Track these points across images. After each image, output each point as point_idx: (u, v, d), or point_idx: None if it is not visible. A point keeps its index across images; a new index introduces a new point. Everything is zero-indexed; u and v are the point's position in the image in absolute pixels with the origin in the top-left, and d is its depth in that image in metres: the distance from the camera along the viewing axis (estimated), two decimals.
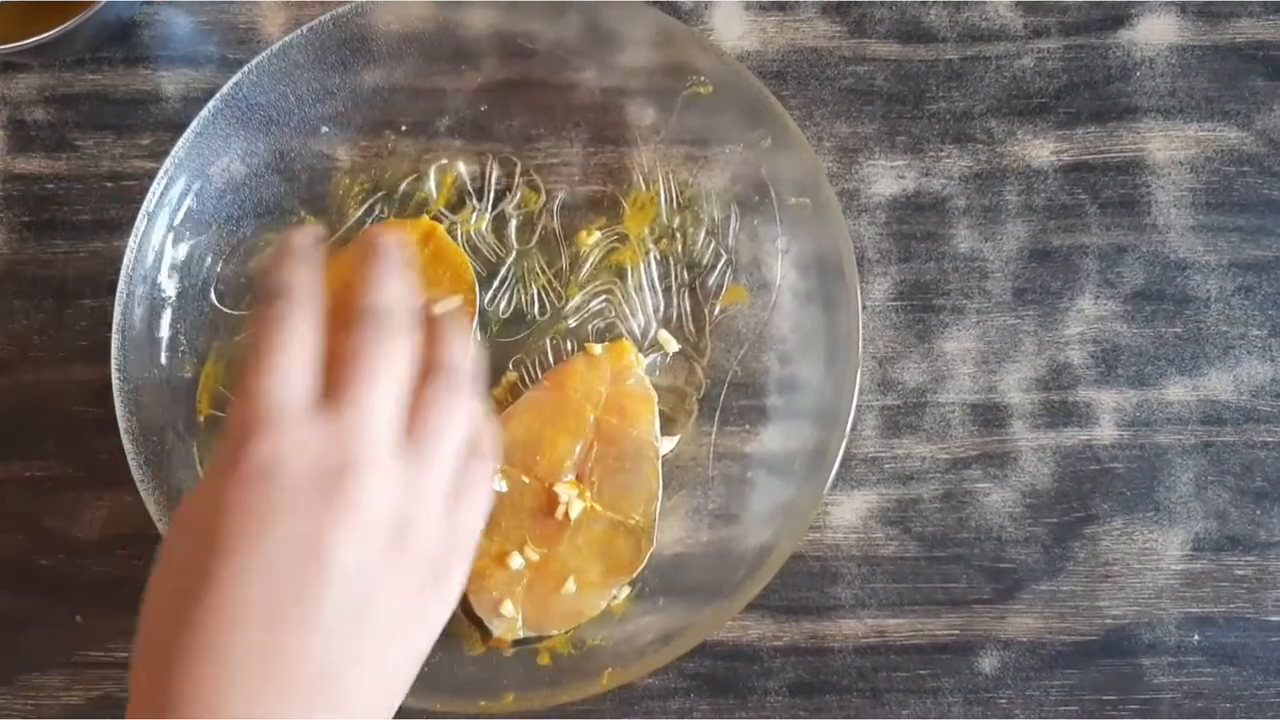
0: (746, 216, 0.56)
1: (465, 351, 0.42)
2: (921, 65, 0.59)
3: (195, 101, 0.58)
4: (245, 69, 0.52)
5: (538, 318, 0.56)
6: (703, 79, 0.54)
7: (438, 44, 0.55)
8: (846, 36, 0.59)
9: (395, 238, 0.42)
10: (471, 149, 0.57)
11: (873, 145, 0.59)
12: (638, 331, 0.56)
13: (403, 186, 0.57)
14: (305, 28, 0.53)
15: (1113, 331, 0.57)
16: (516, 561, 0.52)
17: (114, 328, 0.51)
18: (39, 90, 0.59)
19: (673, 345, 0.56)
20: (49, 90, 0.59)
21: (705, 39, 0.58)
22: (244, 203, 0.55)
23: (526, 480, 0.53)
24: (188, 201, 0.53)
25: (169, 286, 0.53)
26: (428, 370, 0.41)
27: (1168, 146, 0.59)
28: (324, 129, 0.56)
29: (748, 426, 0.55)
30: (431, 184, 0.57)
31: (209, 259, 0.54)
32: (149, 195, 0.51)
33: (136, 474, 0.50)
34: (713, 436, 0.55)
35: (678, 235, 0.56)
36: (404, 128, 0.57)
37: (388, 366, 0.39)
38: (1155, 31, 0.60)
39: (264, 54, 0.52)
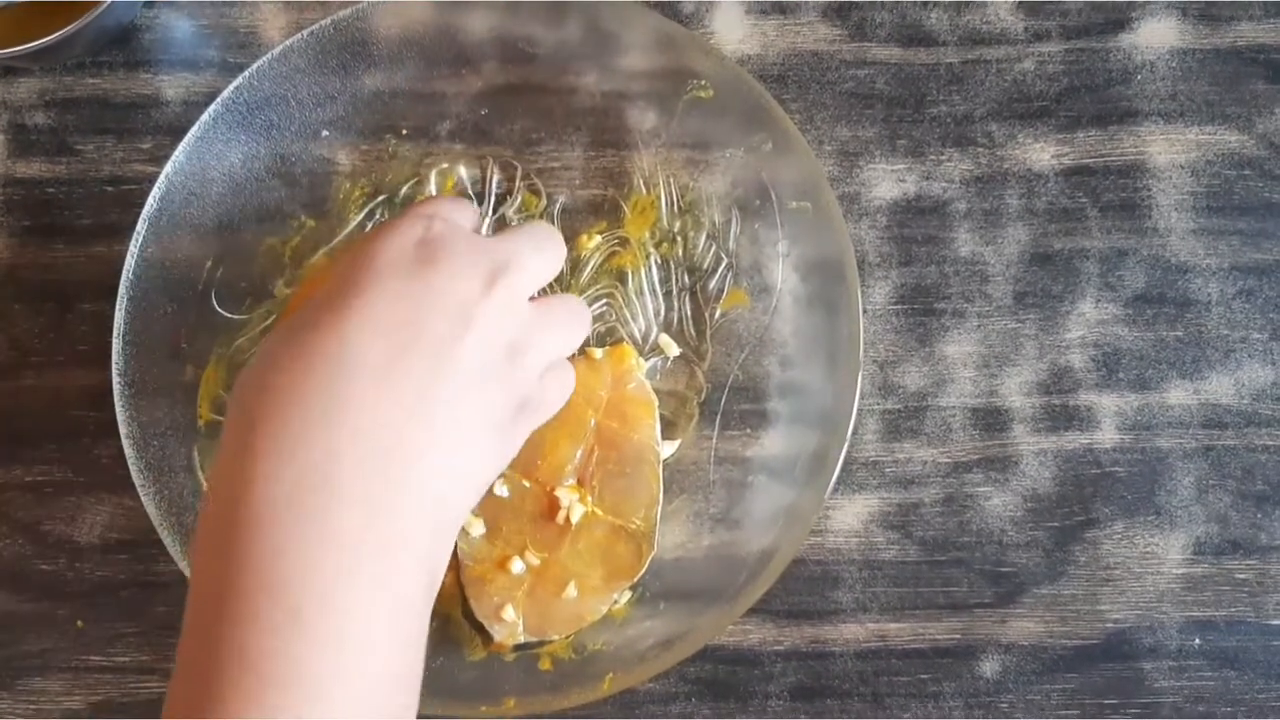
0: (747, 220, 0.56)
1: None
2: (922, 69, 0.59)
3: (196, 105, 0.58)
4: (246, 73, 0.52)
5: None
6: (703, 83, 0.54)
7: (438, 48, 0.55)
8: (847, 40, 0.59)
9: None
10: (472, 153, 0.57)
11: (873, 149, 0.59)
12: (638, 335, 0.56)
13: (404, 190, 0.57)
14: (306, 32, 0.53)
15: (1114, 335, 0.57)
16: (517, 566, 0.52)
17: (115, 332, 0.51)
18: (39, 94, 0.59)
19: (673, 349, 0.56)
20: (49, 94, 0.59)
21: (706, 43, 0.58)
22: (245, 207, 0.55)
23: (527, 485, 0.53)
24: (189, 206, 0.53)
25: (169, 291, 0.53)
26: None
27: (1168, 150, 0.59)
28: (325, 133, 0.56)
29: (749, 431, 0.55)
30: (432, 188, 0.57)
31: (210, 263, 0.54)
32: (149, 199, 0.51)
33: (137, 479, 0.50)
34: (714, 441, 0.55)
35: (678, 239, 0.56)
36: (405, 132, 0.57)
37: (542, 248, 0.45)
38: (1156, 35, 0.60)
39: (264, 58, 0.52)
